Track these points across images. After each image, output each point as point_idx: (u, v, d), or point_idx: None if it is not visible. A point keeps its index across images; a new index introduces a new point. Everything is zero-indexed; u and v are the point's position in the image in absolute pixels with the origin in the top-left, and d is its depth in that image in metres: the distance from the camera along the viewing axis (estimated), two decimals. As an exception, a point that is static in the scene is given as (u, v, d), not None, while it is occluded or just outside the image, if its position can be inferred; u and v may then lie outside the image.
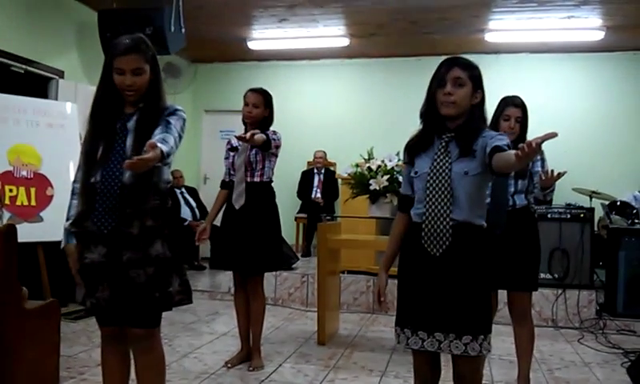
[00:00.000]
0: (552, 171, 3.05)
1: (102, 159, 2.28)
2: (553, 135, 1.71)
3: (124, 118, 2.33)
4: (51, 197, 4.64)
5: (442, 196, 2.12)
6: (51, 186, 4.66)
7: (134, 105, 2.34)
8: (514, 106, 3.26)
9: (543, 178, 3.05)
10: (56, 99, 5.97)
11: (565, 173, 3.04)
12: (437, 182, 2.13)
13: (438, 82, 2.17)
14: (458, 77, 2.14)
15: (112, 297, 2.26)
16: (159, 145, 2.07)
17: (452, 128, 2.18)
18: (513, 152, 1.88)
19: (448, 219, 2.12)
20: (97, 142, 2.31)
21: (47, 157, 4.68)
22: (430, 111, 2.21)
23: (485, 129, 2.20)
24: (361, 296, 5.90)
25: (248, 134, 3.50)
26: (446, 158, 2.15)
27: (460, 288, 2.12)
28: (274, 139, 3.77)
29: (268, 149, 3.74)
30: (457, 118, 2.17)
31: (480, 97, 2.19)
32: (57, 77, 6.20)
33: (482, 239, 2.18)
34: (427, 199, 2.15)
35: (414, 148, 2.26)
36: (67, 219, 2.39)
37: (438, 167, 2.14)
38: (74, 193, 2.39)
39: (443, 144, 2.17)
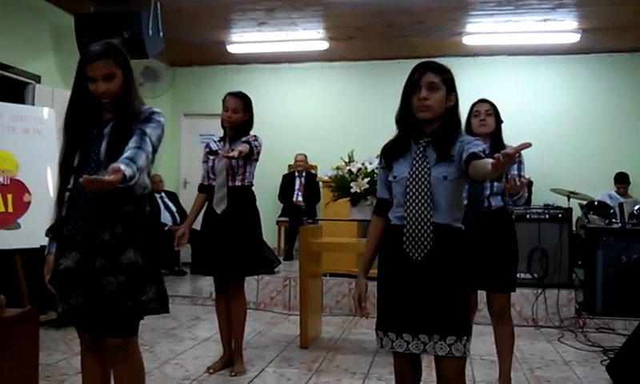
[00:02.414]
0: (518, 178, 3.03)
1: (78, 166, 2.28)
2: (527, 145, 1.74)
3: (101, 124, 2.32)
4: (28, 203, 4.57)
5: (422, 200, 2.14)
6: (28, 193, 4.59)
7: (112, 111, 2.32)
8: (480, 102, 3.36)
9: (507, 185, 2.99)
10: (33, 104, 5.89)
11: (529, 179, 3.05)
12: (416, 186, 2.15)
13: (412, 87, 2.18)
14: (431, 81, 2.16)
15: (85, 303, 2.24)
16: (122, 168, 2.03)
17: (428, 132, 2.20)
18: (489, 160, 1.90)
19: (429, 223, 2.13)
20: (73, 149, 2.30)
21: (24, 163, 4.60)
22: (405, 116, 2.23)
23: (461, 133, 2.23)
24: (343, 299, 5.90)
25: (236, 153, 3.53)
26: (425, 163, 2.16)
27: (442, 290, 2.13)
28: (256, 146, 3.77)
29: (251, 156, 3.75)
30: (433, 122, 2.19)
31: (454, 100, 2.22)
32: (33, 82, 6.13)
33: (461, 241, 2.20)
34: (407, 203, 2.16)
35: (391, 152, 2.27)
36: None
37: (417, 172, 2.16)
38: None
39: (421, 149, 2.19)
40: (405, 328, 2.16)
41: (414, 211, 2.14)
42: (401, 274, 2.18)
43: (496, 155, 1.79)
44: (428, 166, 2.16)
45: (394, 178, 2.23)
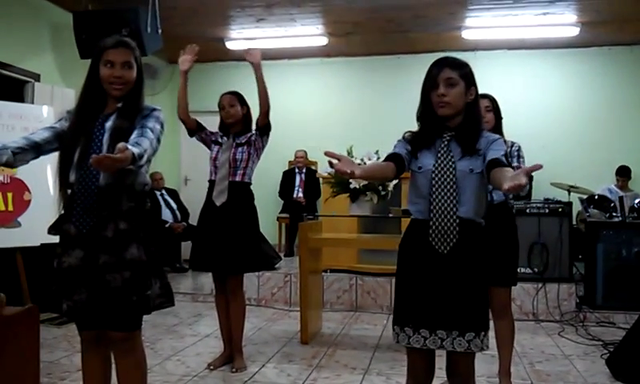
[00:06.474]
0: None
1: (79, 160, 2.28)
2: (538, 167, 1.79)
3: (103, 117, 2.34)
4: (29, 201, 4.58)
5: (449, 193, 2.13)
6: (28, 191, 4.60)
7: (118, 101, 2.35)
8: (480, 98, 3.29)
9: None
10: (32, 103, 5.90)
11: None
12: (442, 178, 2.14)
13: (430, 83, 2.18)
14: (449, 77, 2.15)
15: (89, 300, 2.25)
16: (130, 147, 2.07)
17: (452, 127, 2.20)
18: (505, 176, 1.91)
19: (455, 216, 2.13)
20: (75, 141, 2.31)
21: (24, 161, 4.61)
22: (426, 113, 2.23)
23: (483, 129, 2.24)
24: (344, 294, 5.90)
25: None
26: (449, 156, 2.17)
27: (465, 285, 2.13)
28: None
29: (268, 130, 3.96)
30: (454, 117, 2.19)
31: (474, 93, 2.21)
32: (33, 80, 6.12)
33: (482, 236, 2.20)
34: (433, 196, 2.15)
35: (416, 142, 2.25)
36: None
37: (442, 164, 2.16)
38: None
39: (445, 143, 2.19)
40: (423, 323, 2.14)
41: (440, 204, 2.14)
42: (425, 268, 2.16)
43: (508, 186, 1.80)
44: (453, 159, 2.16)
45: (419, 168, 2.22)
